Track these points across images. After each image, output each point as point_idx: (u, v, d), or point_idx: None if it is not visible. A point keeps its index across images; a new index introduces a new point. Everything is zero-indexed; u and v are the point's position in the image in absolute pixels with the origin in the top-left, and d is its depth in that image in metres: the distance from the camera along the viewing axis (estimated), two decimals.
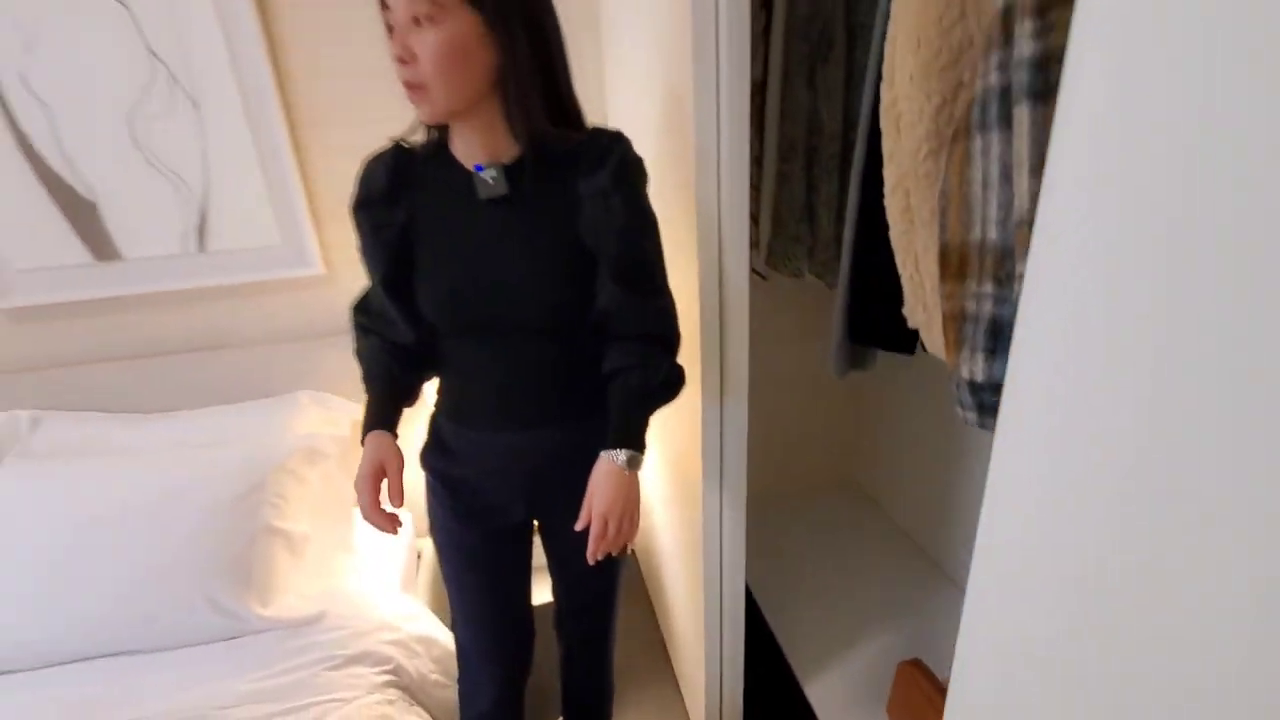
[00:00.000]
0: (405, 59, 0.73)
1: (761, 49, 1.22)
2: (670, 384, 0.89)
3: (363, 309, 0.94)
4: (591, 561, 0.84)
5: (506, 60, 0.76)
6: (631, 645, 1.64)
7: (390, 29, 0.75)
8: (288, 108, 1.33)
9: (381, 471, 0.87)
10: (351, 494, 1.62)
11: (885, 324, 0.99)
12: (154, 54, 1.25)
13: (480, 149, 0.82)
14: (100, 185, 1.31)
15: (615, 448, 0.84)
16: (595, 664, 1.20)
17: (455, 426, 0.95)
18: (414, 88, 0.75)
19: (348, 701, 1.06)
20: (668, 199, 1.08)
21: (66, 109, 1.25)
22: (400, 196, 0.85)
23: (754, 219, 1.33)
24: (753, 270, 1.42)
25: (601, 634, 1.17)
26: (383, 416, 0.90)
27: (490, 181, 0.81)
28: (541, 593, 1.17)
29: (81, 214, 1.32)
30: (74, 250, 1.33)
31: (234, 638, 1.15)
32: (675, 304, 0.90)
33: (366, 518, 0.88)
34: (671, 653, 1.64)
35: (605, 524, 0.83)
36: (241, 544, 1.17)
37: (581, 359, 0.89)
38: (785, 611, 1.62)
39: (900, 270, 0.87)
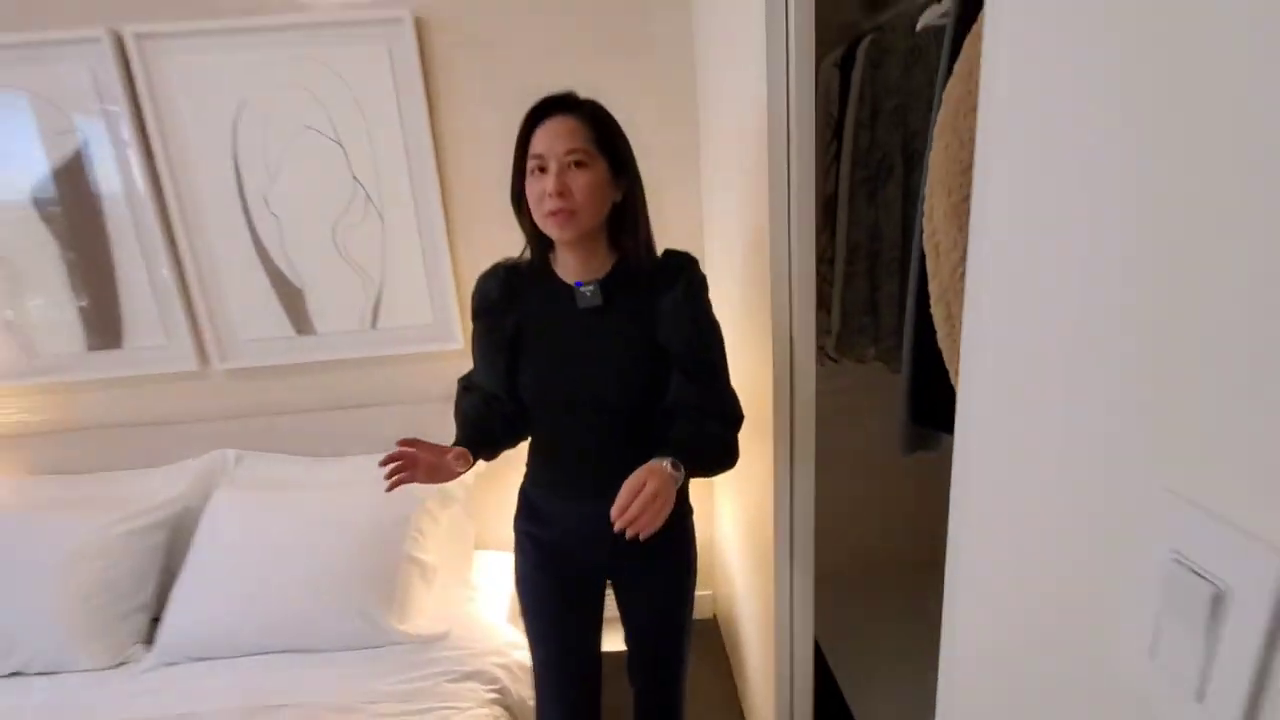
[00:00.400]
0: (564, 193, 0.94)
1: (835, 168, 1.43)
2: (725, 446, 1.04)
3: (467, 378, 1.15)
4: (616, 528, 0.87)
5: (622, 198, 1.01)
6: (708, 704, 1.73)
7: (524, 174, 0.98)
8: (447, 217, 1.68)
9: (445, 450, 0.98)
10: (473, 534, 1.86)
11: (944, 410, 1.12)
12: (356, 179, 1.64)
13: (581, 267, 1.04)
14: (307, 277, 1.69)
15: (664, 457, 0.93)
16: (666, 713, 1.27)
17: (542, 493, 1.14)
18: (564, 214, 0.95)
19: (463, 711, 1.25)
20: (749, 296, 1.28)
21: (290, 220, 1.66)
22: (511, 306, 1.07)
23: (828, 310, 1.51)
24: (827, 355, 1.58)
25: (671, 684, 1.24)
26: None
27: (589, 295, 1.02)
28: (616, 641, 1.26)
29: (292, 299, 1.70)
30: (282, 325, 1.72)
31: (376, 646, 1.39)
32: (735, 393, 1.07)
33: (394, 452, 0.96)
34: (746, 714, 1.71)
35: (631, 498, 0.87)
36: (389, 568, 1.43)
37: (652, 436, 1.05)
38: (861, 684, 1.66)
39: (948, 366, 1.01)
